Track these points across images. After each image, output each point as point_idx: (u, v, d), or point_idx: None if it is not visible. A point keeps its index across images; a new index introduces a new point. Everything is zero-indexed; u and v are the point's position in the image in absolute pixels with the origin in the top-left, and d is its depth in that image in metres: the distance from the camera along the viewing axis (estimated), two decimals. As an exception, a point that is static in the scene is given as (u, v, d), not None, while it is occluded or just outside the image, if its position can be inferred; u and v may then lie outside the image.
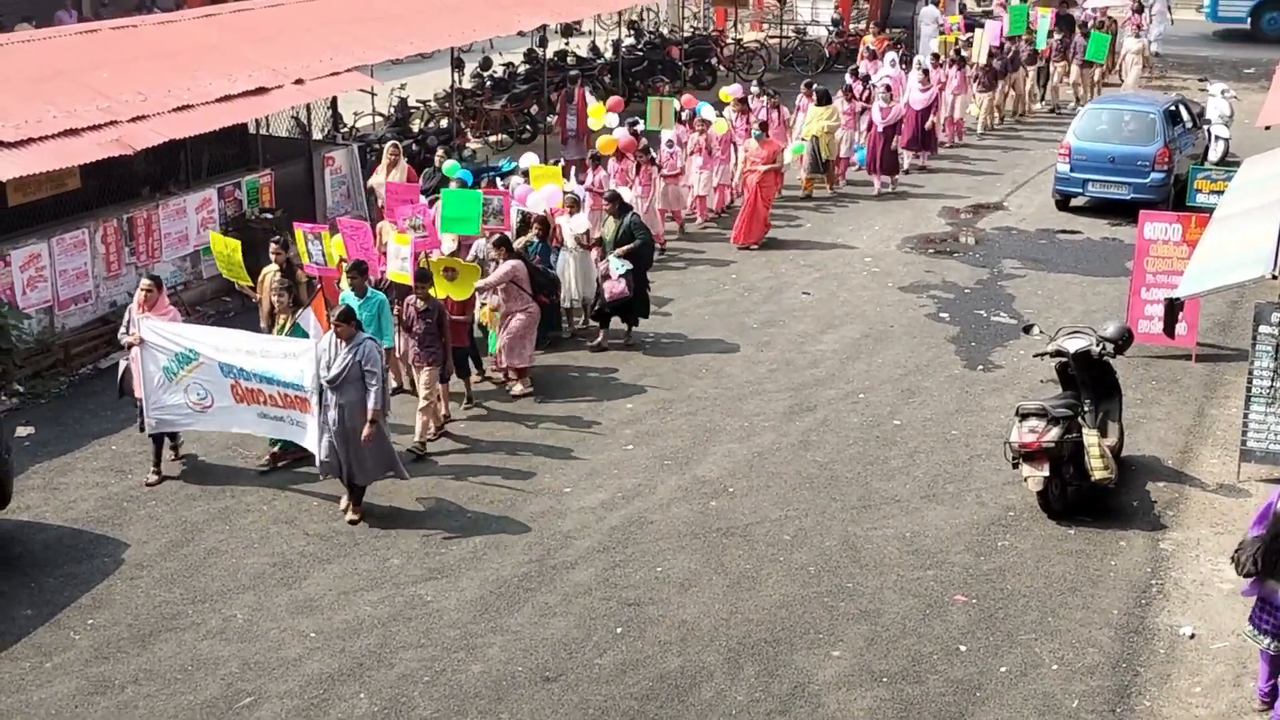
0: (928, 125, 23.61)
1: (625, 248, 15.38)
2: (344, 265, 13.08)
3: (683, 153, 19.99)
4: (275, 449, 12.74)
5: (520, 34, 24.97)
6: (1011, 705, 9.27)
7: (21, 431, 13.41)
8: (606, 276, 15.34)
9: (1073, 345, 12.29)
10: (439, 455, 13.07)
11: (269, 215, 17.70)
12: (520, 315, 14.26)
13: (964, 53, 26.49)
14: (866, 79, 24.08)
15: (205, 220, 17.07)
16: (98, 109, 15.47)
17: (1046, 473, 11.46)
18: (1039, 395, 13.02)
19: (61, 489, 12.41)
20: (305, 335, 12.35)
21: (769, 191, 19.81)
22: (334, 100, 21.36)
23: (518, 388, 14.46)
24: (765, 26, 36.08)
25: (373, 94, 22.90)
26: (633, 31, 30.78)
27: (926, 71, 23.89)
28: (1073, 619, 10.28)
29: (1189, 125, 22.02)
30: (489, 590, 10.76)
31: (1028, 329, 13.35)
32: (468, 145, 22.98)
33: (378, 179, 17.84)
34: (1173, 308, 11.19)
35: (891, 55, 26.36)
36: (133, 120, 15.54)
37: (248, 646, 10.03)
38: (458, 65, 24.33)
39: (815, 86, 22.54)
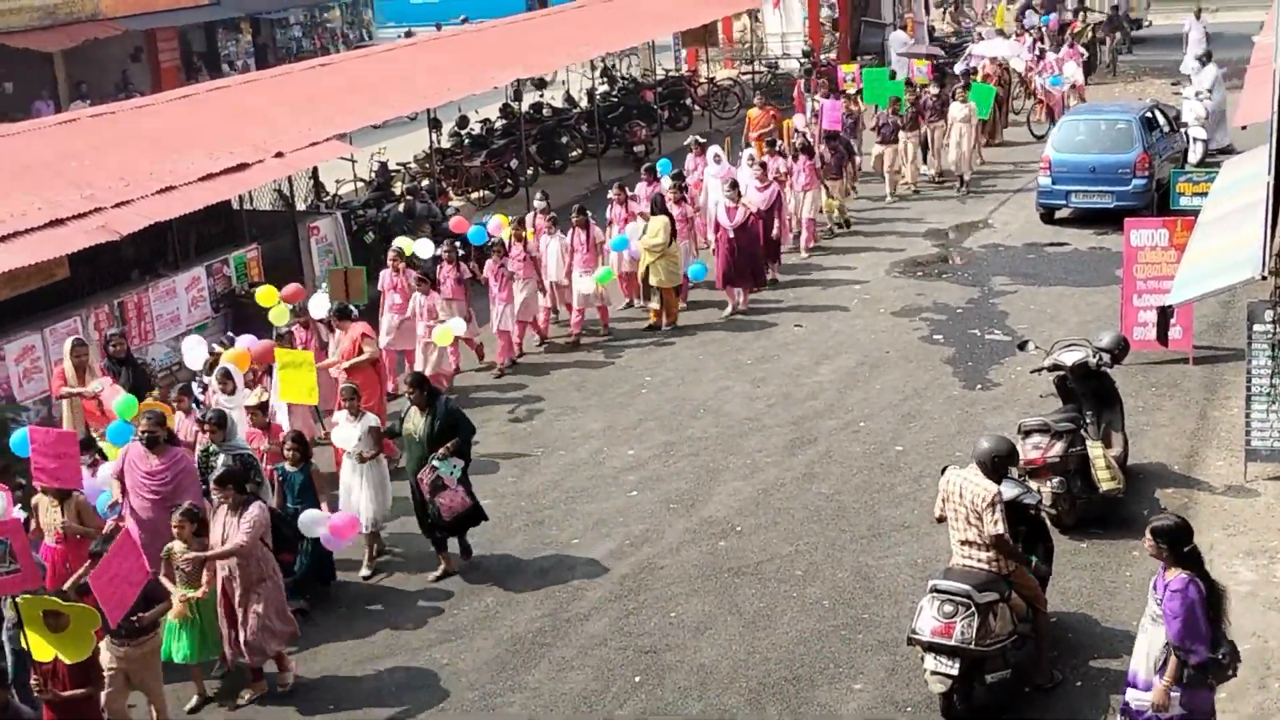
0: (774, 232, 18.94)
1: (447, 446, 11.73)
2: None
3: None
4: None
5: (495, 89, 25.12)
6: (1038, 725, 9.22)
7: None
8: (438, 488, 11.63)
9: (1070, 358, 12.30)
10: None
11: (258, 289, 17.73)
12: (263, 589, 10.20)
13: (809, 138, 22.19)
14: (680, 177, 19.32)
15: (195, 299, 17.11)
16: (81, 197, 15.51)
17: (1054, 488, 11.45)
18: (1040, 411, 13.01)
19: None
20: None
21: (365, 391, 13.08)
22: (315, 170, 21.47)
23: (247, 694, 10.34)
24: (737, 63, 36.34)
25: (353, 160, 23.02)
26: (606, 78, 30.99)
27: (764, 165, 19.38)
28: (1092, 633, 10.23)
29: (1166, 129, 22.16)
30: (504, 649, 10.70)
31: (1022, 345, 13.37)
32: (450, 204, 23.06)
33: (68, 388, 13.57)
34: (1164, 315, 11.20)
35: (715, 149, 20.25)
36: (117, 206, 15.58)
37: (267, 726, 9.97)
38: (435, 125, 24.49)
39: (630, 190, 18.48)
